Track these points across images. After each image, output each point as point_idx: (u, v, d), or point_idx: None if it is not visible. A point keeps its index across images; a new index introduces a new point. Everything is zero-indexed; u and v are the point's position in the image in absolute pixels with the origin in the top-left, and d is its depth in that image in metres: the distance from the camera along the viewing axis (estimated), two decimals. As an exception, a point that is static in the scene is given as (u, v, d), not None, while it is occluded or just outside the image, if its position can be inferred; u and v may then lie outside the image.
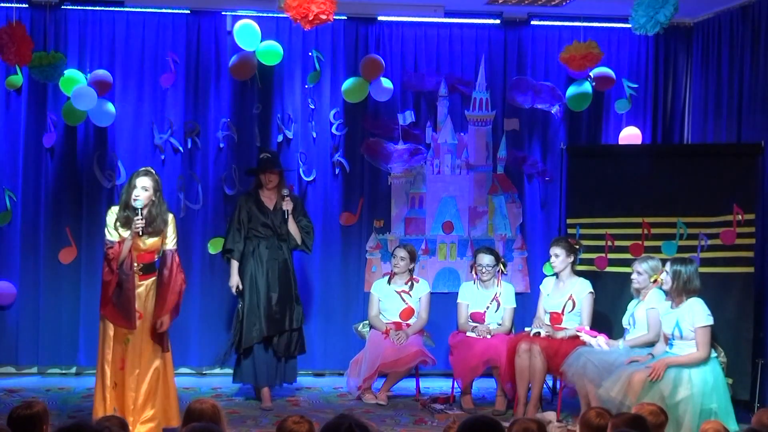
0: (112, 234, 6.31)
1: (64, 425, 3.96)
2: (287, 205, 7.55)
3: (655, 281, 6.94)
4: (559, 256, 7.43)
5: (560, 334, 7.25)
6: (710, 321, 6.48)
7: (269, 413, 7.16)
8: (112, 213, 6.39)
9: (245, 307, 7.47)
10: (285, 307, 7.53)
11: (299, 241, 7.65)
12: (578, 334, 7.13)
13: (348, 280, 8.76)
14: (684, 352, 6.49)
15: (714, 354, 6.55)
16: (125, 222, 6.31)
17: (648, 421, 4.52)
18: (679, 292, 6.56)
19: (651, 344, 6.87)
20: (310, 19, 6.44)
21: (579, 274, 7.61)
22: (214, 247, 8.43)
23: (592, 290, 7.43)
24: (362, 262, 8.77)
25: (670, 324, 6.58)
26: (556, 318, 7.41)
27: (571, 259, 7.47)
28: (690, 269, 6.57)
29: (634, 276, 7.08)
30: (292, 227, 7.60)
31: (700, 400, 6.31)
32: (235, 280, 7.52)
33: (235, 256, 7.53)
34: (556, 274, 7.52)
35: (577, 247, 7.58)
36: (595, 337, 7.06)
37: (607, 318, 7.65)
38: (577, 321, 7.37)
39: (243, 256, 7.53)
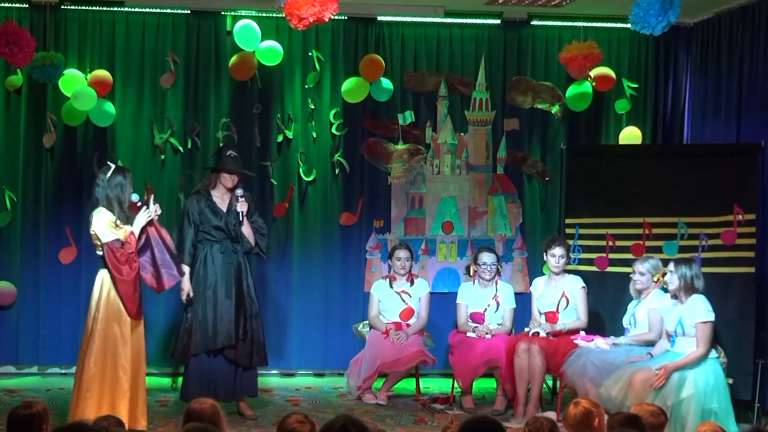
0: (115, 233, 6.32)
1: (62, 425, 3.95)
2: (242, 206, 6.99)
3: (657, 281, 6.95)
4: (564, 257, 7.43)
5: (558, 326, 7.29)
6: (711, 317, 6.47)
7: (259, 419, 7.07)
8: (106, 213, 6.34)
9: (197, 314, 6.93)
10: (240, 314, 6.95)
11: (253, 244, 7.09)
12: (576, 342, 7.12)
13: (348, 280, 8.75)
14: (686, 349, 6.48)
15: (714, 354, 6.55)
16: (126, 219, 6.38)
17: (647, 422, 4.50)
18: (686, 292, 6.57)
19: (651, 343, 6.87)
20: (326, 19, 6.46)
21: (580, 274, 7.61)
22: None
23: (584, 285, 7.44)
24: (362, 262, 8.77)
25: (673, 321, 6.58)
26: (551, 317, 7.42)
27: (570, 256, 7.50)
28: (694, 270, 6.58)
29: (636, 276, 7.08)
30: (246, 229, 7.05)
31: (702, 400, 6.31)
32: (187, 287, 6.95)
33: (186, 260, 6.94)
34: (548, 274, 7.55)
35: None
36: (592, 341, 7.06)
37: (607, 318, 7.65)
38: (572, 317, 7.38)
39: (195, 261, 6.99)
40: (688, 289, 6.55)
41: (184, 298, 7.01)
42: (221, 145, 7.62)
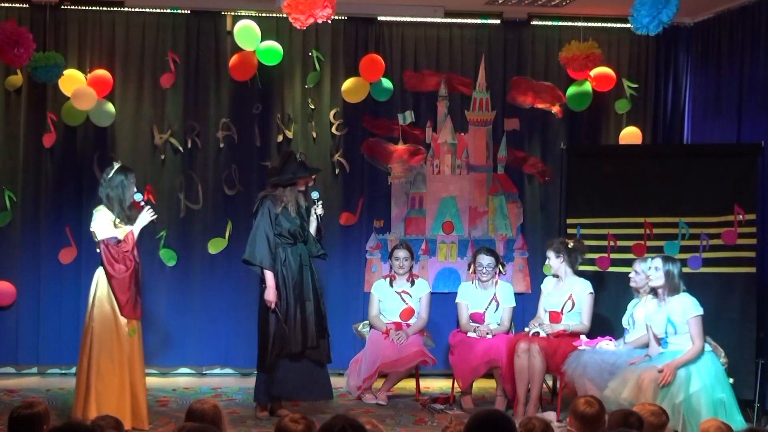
0: (114, 230, 6.43)
1: (58, 424, 3.95)
2: (321, 210, 7.22)
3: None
4: (550, 259, 7.44)
5: (561, 326, 7.27)
6: (701, 311, 6.45)
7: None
8: (106, 212, 6.46)
9: (285, 318, 6.97)
10: (318, 314, 7.12)
11: (318, 248, 7.25)
12: (578, 347, 7.09)
13: (348, 280, 8.75)
14: (681, 347, 6.45)
15: (708, 347, 6.52)
16: (127, 218, 6.48)
17: (648, 421, 4.51)
18: (670, 290, 6.55)
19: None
20: (329, 20, 6.48)
21: (580, 273, 7.60)
22: (214, 247, 8.44)
23: (593, 291, 7.43)
24: (362, 262, 8.76)
25: (662, 322, 6.54)
26: (555, 317, 7.41)
27: (561, 259, 7.41)
28: (677, 268, 6.57)
29: (631, 275, 7.10)
30: (314, 232, 7.24)
31: (710, 392, 6.29)
32: (273, 294, 6.95)
33: (269, 262, 6.96)
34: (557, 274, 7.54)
35: (571, 245, 7.51)
36: (595, 346, 7.03)
37: (608, 318, 7.65)
38: (576, 320, 7.37)
39: (276, 264, 7.04)
40: (672, 287, 6.53)
41: (273, 306, 6.97)
42: (286, 156, 7.36)
